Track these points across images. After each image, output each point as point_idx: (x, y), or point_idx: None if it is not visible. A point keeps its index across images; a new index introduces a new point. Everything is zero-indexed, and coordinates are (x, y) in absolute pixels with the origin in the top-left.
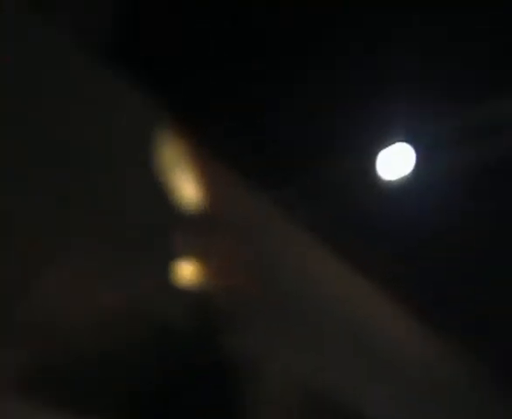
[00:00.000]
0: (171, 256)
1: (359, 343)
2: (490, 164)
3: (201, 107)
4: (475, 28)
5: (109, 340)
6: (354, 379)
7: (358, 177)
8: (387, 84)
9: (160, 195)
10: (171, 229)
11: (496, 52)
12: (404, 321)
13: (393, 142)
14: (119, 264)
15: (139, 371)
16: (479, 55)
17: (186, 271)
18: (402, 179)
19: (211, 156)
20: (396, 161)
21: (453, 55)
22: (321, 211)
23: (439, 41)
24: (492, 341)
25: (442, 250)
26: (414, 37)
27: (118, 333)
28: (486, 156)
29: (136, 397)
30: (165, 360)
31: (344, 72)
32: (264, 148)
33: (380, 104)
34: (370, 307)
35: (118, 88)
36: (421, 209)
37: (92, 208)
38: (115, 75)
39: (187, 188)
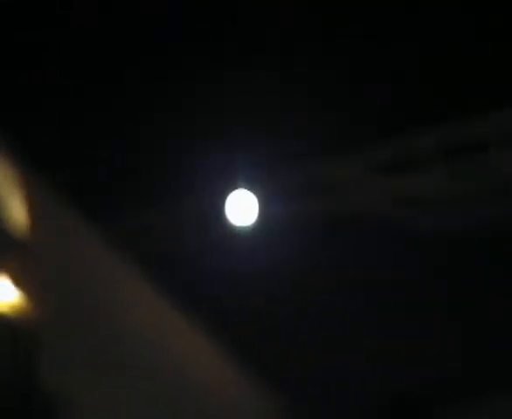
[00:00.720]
0: None
1: (171, 387)
2: (329, 217)
3: (33, 136)
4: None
5: None
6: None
7: (204, 220)
8: (233, 134)
9: None
10: None
11: (341, 115)
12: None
13: (239, 189)
14: None
15: None
16: (321, 113)
17: (2, 301)
18: (247, 225)
19: (42, 186)
20: (241, 208)
21: (297, 111)
22: (153, 250)
23: (284, 97)
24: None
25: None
26: (260, 93)
27: None
28: (327, 209)
29: None
30: None
31: (192, 118)
32: (109, 184)
33: (226, 152)
34: (187, 351)
35: None
36: (263, 254)
37: None
38: None
39: (10, 215)
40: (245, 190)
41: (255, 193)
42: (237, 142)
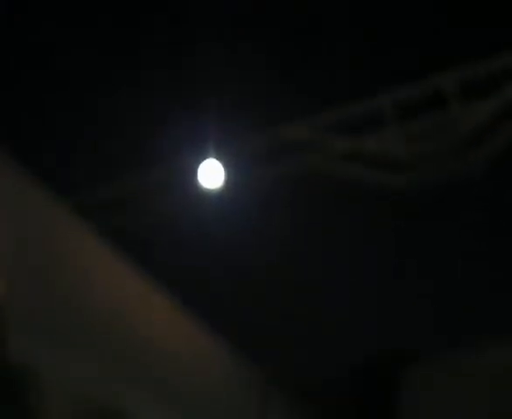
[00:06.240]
0: None
1: (140, 359)
2: (290, 178)
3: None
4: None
5: None
6: (135, 391)
7: (176, 187)
8: (203, 106)
9: None
10: None
11: (299, 79)
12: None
13: (207, 157)
14: None
15: None
16: (284, 80)
17: None
18: (214, 190)
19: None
20: (209, 174)
21: (268, 81)
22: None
23: (259, 71)
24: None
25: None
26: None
27: None
28: (287, 172)
29: None
30: None
31: (164, 91)
32: (79, 155)
33: (194, 122)
34: (155, 318)
35: None
36: (232, 216)
37: None
38: None
39: None
40: (214, 157)
41: (222, 159)
42: (206, 113)
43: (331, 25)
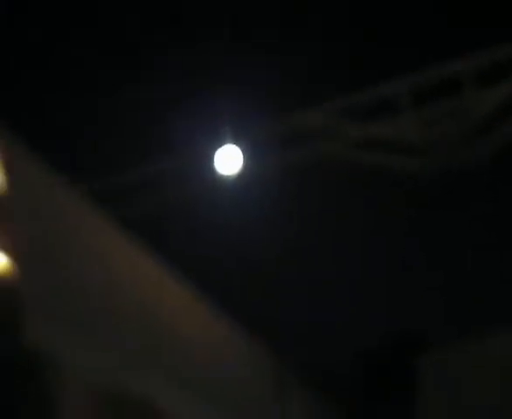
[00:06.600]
0: None
1: (158, 346)
2: (306, 164)
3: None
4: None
5: None
6: (153, 379)
7: (193, 172)
8: (219, 90)
9: None
10: None
11: (314, 67)
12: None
13: (225, 143)
14: None
15: None
16: (299, 67)
17: None
18: (232, 176)
19: (22, 146)
20: (227, 160)
21: (285, 66)
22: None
23: (272, 54)
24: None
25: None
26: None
27: None
28: (301, 158)
29: None
30: None
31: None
32: (97, 142)
33: (213, 108)
34: (171, 304)
35: None
36: (248, 203)
37: None
38: None
39: None
40: (231, 143)
41: (239, 145)
42: (223, 100)
43: (346, 8)
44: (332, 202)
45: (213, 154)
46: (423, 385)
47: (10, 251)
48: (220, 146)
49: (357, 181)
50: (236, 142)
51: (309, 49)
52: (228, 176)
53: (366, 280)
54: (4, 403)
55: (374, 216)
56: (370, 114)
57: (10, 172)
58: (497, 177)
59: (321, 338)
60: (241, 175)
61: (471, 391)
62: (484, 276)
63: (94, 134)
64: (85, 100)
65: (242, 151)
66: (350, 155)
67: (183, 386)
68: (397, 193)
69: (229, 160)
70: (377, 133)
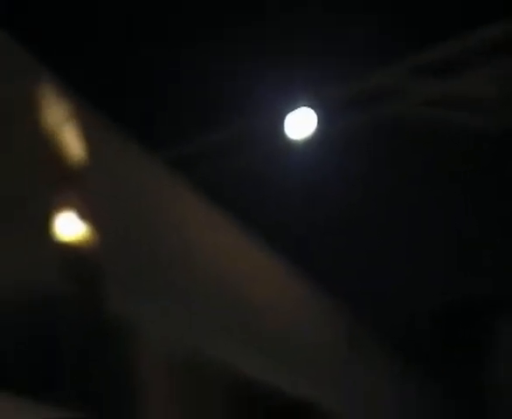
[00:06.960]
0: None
1: (233, 305)
2: (384, 127)
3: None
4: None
5: None
6: (229, 340)
7: (265, 137)
8: (289, 53)
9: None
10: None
11: (391, 25)
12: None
13: (298, 106)
14: None
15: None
16: (378, 26)
17: (64, 231)
18: (306, 139)
19: (97, 114)
20: (300, 123)
21: (354, 26)
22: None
23: (342, 14)
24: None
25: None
26: (316, 11)
27: None
28: (380, 120)
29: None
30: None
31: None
32: (167, 105)
33: (285, 71)
34: (247, 268)
35: None
36: (322, 166)
37: None
38: None
39: (68, 144)
40: (303, 106)
41: (312, 107)
42: (293, 61)
43: None
44: (400, 164)
45: (285, 117)
46: (501, 346)
47: (90, 222)
48: (293, 109)
49: (428, 140)
50: (309, 105)
51: (380, 6)
52: (300, 140)
53: (428, 238)
54: (86, 374)
55: (437, 175)
56: (441, 71)
57: (90, 143)
58: None
59: (397, 298)
60: (314, 138)
61: None
62: None
63: (167, 105)
64: (152, 73)
65: (316, 113)
66: (422, 114)
67: (262, 352)
68: (465, 152)
69: (301, 122)
70: (450, 90)
